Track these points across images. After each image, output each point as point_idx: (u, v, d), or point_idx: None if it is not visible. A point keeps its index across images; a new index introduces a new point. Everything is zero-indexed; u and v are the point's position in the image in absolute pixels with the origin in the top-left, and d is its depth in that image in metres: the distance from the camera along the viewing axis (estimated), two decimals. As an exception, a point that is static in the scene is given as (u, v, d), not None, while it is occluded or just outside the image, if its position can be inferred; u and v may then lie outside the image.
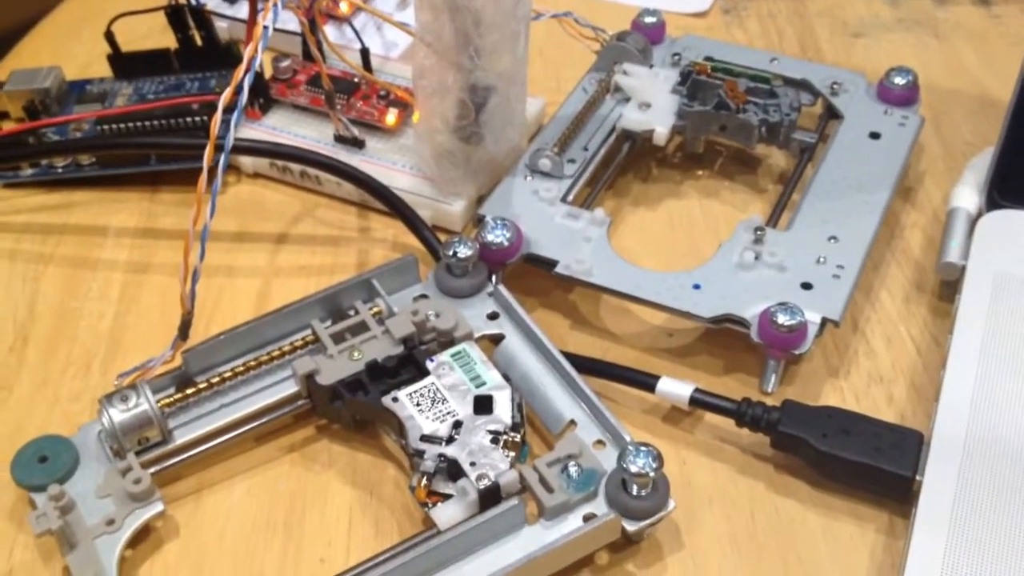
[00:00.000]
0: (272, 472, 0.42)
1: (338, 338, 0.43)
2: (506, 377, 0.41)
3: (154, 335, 0.47)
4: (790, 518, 0.40)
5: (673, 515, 0.39)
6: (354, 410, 0.42)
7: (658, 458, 0.38)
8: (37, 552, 0.40)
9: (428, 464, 0.39)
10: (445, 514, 0.38)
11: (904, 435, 0.40)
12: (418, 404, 0.40)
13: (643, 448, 0.38)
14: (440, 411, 0.40)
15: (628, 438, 0.39)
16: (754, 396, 0.42)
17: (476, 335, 0.43)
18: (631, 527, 0.38)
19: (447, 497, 0.38)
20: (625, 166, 0.53)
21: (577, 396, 0.41)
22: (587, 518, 0.38)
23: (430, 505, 0.38)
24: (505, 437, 0.39)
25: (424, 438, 0.39)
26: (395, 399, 0.41)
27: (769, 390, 0.44)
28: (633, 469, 0.37)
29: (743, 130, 0.51)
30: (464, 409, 0.40)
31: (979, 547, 0.36)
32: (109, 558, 0.38)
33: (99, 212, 0.53)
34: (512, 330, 0.44)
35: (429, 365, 0.42)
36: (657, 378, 0.43)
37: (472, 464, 0.38)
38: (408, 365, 0.42)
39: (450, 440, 0.39)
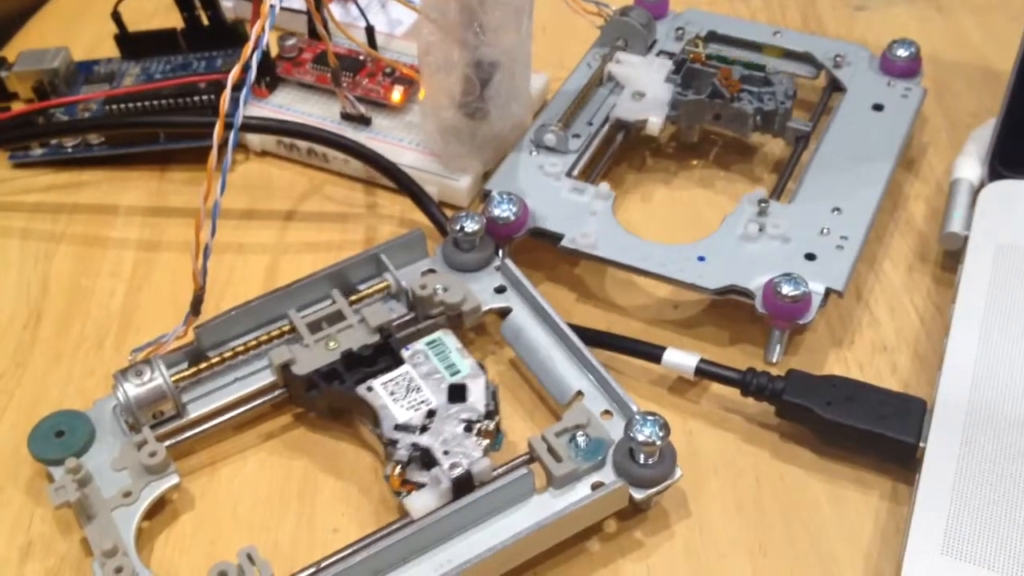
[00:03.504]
0: (283, 445, 0.43)
1: (315, 327, 0.43)
2: (480, 365, 0.41)
3: (165, 312, 0.47)
4: (795, 485, 0.41)
5: (680, 483, 0.39)
6: (330, 399, 0.42)
7: (665, 427, 0.38)
8: (55, 524, 0.40)
9: (401, 453, 0.39)
10: (418, 502, 0.38)
11: (908, 403, 0.41)
12: (392, 393, 0.40)
13: (650, 417, 0.38)
14: (414, 400, 0.40)
15: (635, 408, 0.40)
16: (759, 366, 0.42)
17: (483, 309, 0.44)
18: (638, 495, 0.38)
19: (421, 486, 0.38)
20: (619, 156, 0.52)
21: (584, 367, 0.42)
22: (595, 486, 0.38)
23: (404, 493, 0.38)
24: (479, 425, 0.39)
25: (398, 427, 0.39)
26: (370, 388, 0.41)
27: (774, 360, 0.44)
28: (640, 438, 0.38)
29: (738, 119, 0.51)
30: (438, 398, 0.40)
31: (982, 512, 0.37)
32: (127, 529, 0.38)
33: (109, 191, 0.53)
34: (519, 303, 0.44)
35: (404, 354, 0.42)
36: (663, 349, 0.43)
37: (445, 453, 0.38)
38: (384, 354, 0.42)
39: (424, 429, 0.39)
